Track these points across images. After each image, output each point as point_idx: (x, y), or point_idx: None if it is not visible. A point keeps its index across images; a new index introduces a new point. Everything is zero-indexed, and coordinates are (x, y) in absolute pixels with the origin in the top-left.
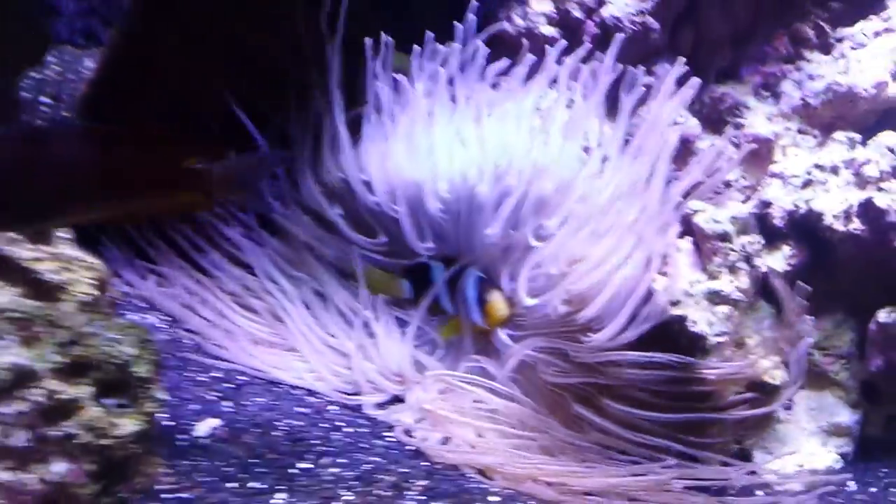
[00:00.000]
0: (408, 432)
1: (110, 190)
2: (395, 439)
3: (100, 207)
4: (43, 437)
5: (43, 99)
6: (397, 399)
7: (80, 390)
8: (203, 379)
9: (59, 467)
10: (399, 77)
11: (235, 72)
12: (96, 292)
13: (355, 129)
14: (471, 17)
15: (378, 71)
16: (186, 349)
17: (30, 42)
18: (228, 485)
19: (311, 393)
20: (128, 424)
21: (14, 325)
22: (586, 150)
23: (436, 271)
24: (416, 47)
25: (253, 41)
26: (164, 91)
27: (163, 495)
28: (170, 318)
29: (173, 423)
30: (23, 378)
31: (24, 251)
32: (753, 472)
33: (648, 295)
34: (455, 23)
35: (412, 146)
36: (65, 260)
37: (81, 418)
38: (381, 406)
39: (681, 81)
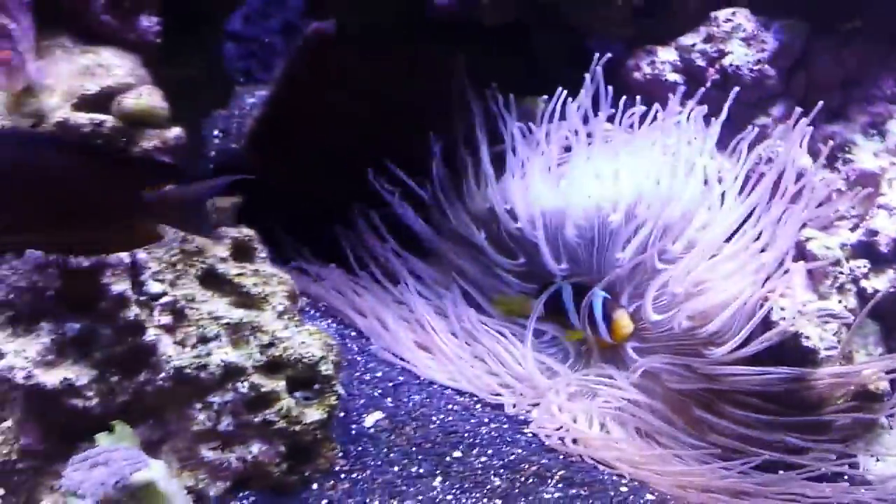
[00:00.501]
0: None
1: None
2: (534, 435)
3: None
4: (245, 423)
5: (215, 132)
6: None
7: (277, 384)
8: (367, 378)
9: (256, 448)
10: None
11: (386, 117)
12: (289, 303)
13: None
14: (598, 70)
15: (512, 114)
16: (352, 352)
17: (219, 86)
18: (393, 468)
19: (459, 393)
20: (314, 414)
21: (226, 330)
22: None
23: (565, 292)
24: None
25: (402, 95)
26: (323, 132)
27: (340, 475)
28: (340, 324)
29: (344, 415)
30: (231, 373)
31: (232, 268)
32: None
33: (765, 313)
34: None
35: (551, 179)
36: (263, 275)
37: (277, 408)
38: (519, 407)
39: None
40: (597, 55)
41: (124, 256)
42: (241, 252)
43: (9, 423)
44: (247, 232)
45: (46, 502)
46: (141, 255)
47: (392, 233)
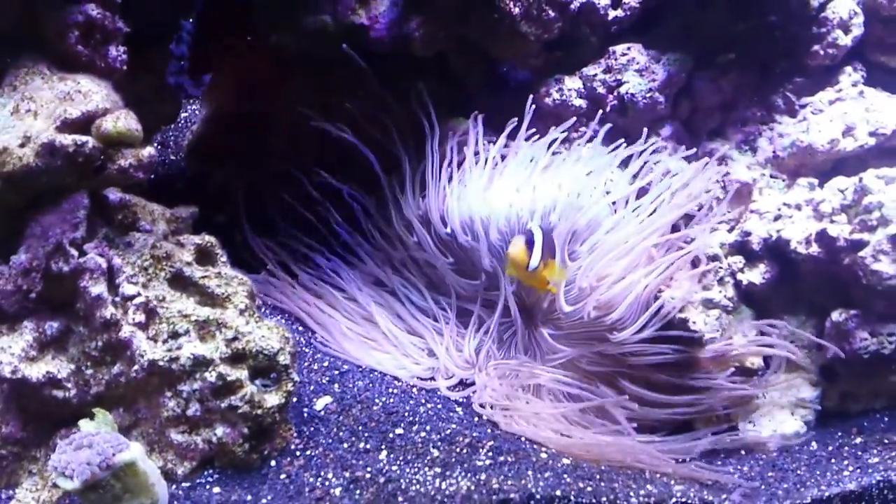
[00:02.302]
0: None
1: None
2: (465, 412)
3: None
4: (212, 409)
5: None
6: (463, 382)
7: (241, 373)
8: (315, 367)
9: (220, 430)
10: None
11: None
12: (248, 301)
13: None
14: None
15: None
16: (300, 345)
17: (167, 105)
18: (343, 445)
19: (397, 378)
20: (273, 399)
21: (194, 326)
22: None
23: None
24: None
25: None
26: (261, 141)
27: (295, 452)
28: (288, 319)
29: (296, 400)
30: (200, 364)
31: (197, 271)
32: (738, 436)
33: (658, 302)
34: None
35: (478, 192)
36: (225, 277)
37: (241, 394)
38: (453, 388)
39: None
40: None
41: (102, 262)
42: (205, 256)
43: None
44: (209, 238)
45: (26, 485)
46: (116, 260)
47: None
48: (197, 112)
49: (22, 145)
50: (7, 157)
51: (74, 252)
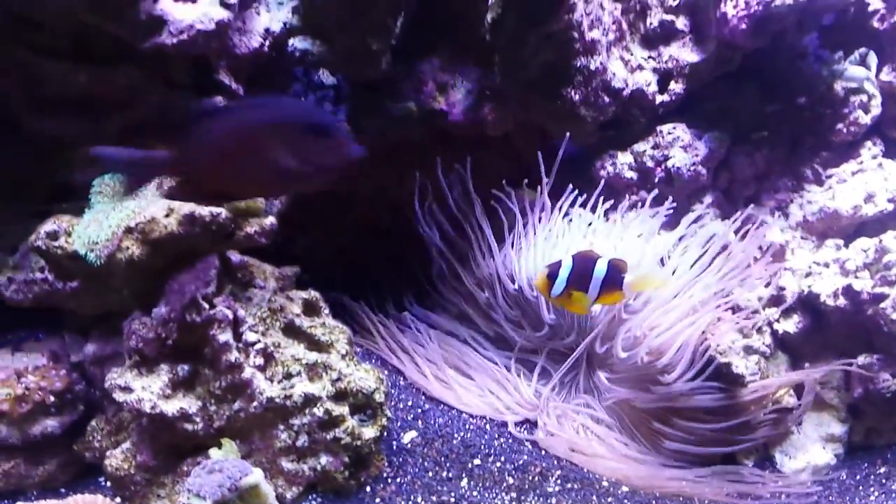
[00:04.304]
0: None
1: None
2: (534, 445)
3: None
4: (318, 440)
5: None
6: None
7: (343, 409)
8: (401, 406)
9: (324, 459)
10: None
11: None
12: (348, 347)
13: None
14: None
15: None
16: (389, 385)
17: None
18: (428, 474)
19: (472, 416)
20: (370, 432)
21: (304, 368)
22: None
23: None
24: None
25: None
26: (348, 214)
27: (388, 479)
28: (377, 362)
29: (386, 434)
30: (309, 401)
31: (305, 321)
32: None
33: (705, 349)
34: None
35: (542, 253)
36: (328, 327)
37: (343, 427)
38: (520, 425)
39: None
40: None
41: (228, 313)
42: (311, 308)
43: (127, 444)
44: (314, 293)
45: None
46: (240, 312)
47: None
48: None
49: (167, 215)
50: (154, 225)
51: (206, 305)
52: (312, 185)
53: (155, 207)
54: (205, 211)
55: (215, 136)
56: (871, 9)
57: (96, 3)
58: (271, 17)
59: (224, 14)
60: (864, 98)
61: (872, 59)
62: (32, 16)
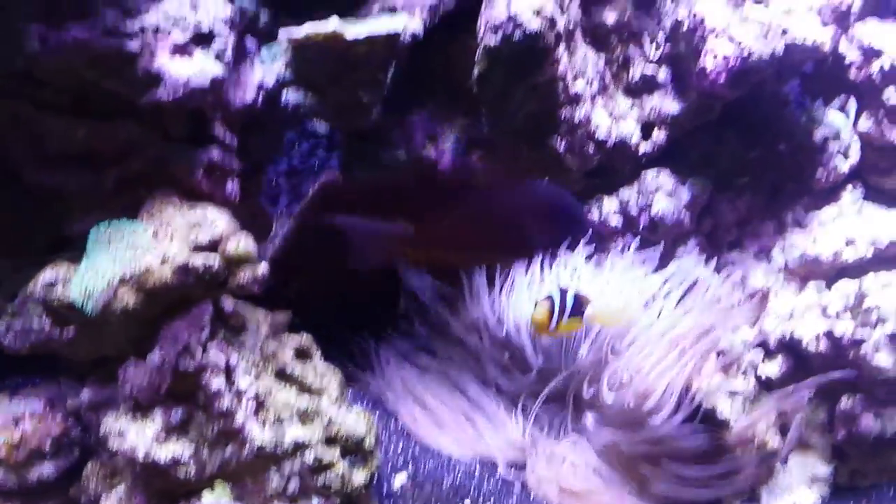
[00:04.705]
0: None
1: None
2: (523, 487)
3: None
4: (309, 484)
5: None
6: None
7: (334, 454)
8: (391, 449)
9: (316, 503)
10: None
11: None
12: (339, 391)
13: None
14: None
15: None
16: (380, 428)
17: (262, 226)
18: None
19: (463, 458)
20: (360, 476)
21: (296, 413)
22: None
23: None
24: None
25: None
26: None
27: None
28: (367, 405)
29: (377, 478)
30: (300, 447)
31: (297, 367)
32: None
33: (691, 392)
34: None
35: (529, 298)
36: (320, 372)
37: (334, 472)
38: (510, 467)
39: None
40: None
41: (221, 360)
42: (303, 354)
43: (122, 488)
44: (305, 338)
45: None
46: (233, 358)
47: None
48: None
49: (161, 264)
50: (149, 275)
51: (199, 352)
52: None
53: (150, 257)
54: (198, 260)
55: (464, 215)
56: (847, 60)
57: (96, 60)
58: (265, 71)
59: (219, 70)
60: (844, 145)
61: (852, 107)
62: (35, 73)
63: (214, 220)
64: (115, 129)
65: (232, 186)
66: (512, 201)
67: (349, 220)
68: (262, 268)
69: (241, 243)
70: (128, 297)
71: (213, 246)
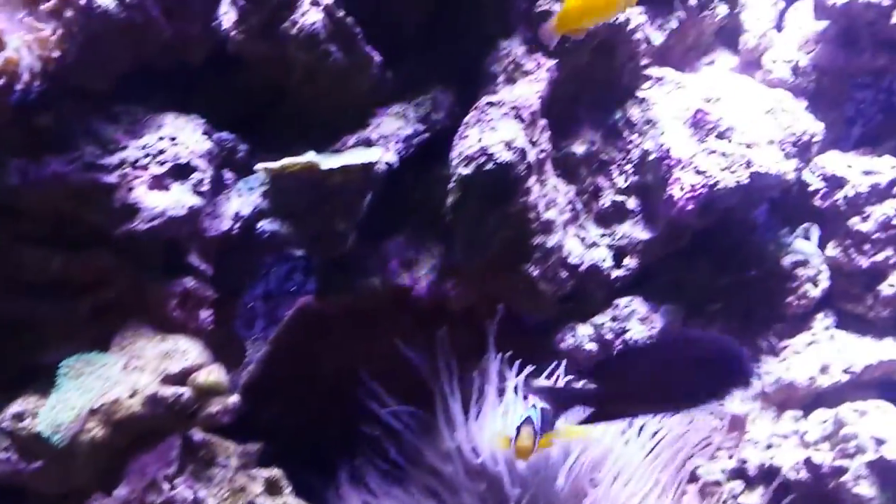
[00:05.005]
0: None
1: None
2: None
3: None
4: None
5: None
6: None
7: None
8: None
9: None
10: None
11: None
12: None
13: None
14: None
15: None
16: None
17: (235, 353)
18: None
19: None
20: None
21: None
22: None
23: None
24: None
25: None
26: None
27: None
28: None
29: None
30: None
31: (267, 501)
32: None
33: None
34: None
35: (505, 426)
36: None
37: None
38: None
39: None
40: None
41: (189, 495)
42: (273, 487)
43: None
44: (275, 472)
45: None
46: (201, 492)
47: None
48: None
49: (131, 396)
50: (118, 406)
51: (167, 486)
52: None
53: (119, 388)
54: (168, 391)
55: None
56: (811, 188)
57: (74, 193)
58: (242, 202)
59: (196, 201)
60: (813, 272)
61: (814, 233)
62: (14, 205)
63: (186, 351)
64: (90, 259)
65: (205, 315)
66: (681, 351)
67: None
68: (233, 399)
69: (213, 374)
70: (96, 429)
71: (183, 377)
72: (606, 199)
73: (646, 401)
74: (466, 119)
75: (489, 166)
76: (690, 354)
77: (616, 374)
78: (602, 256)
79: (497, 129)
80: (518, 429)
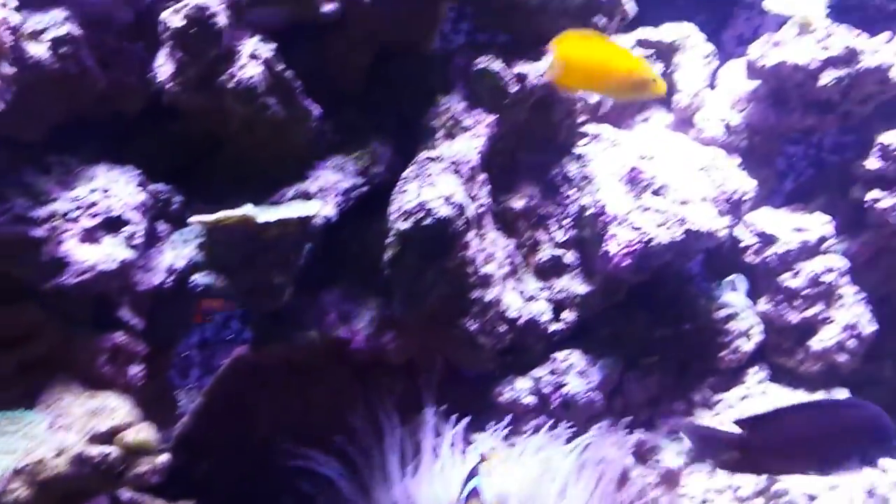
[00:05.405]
0: None
1: None
2: None
3: None
4: None
5: None
6: None
7: None
8: None
9: None
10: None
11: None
12: None
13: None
14: None
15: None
16: None
17: (168, 407)
18: None
19: None
20: None
21: None
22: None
23: None
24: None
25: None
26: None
27: None
28: None
29: None
30: None
31: None
32: None
33: None
34: None
35: (443, 481)
36: None
37: None
38: None
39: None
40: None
41: None
42: None
43: None
44: None
45: None
46: None
47: None
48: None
49: (56, 456)
50: (43, 467)
51: None
52: None
53: (45, 448)
54: (95, 451)
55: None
56: (744, 244)
57: (2, 245)
58: (176, 255)
59: (128, 254)
60: (746, 325)
61: (741, 285)
62: None
63: (115, 409)
64: (17, 313)
65: (136, 371)
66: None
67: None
68: (163, 458)
69: (142, 433)
70: (20, 490)
71: (111, 435)
72: (545, 252)
73: (792, 457)
74: (405, 173)
75: (428, 221)
76: (840, 419)
77: (769, 427)
78: (541, 310)
79: (436, 185)
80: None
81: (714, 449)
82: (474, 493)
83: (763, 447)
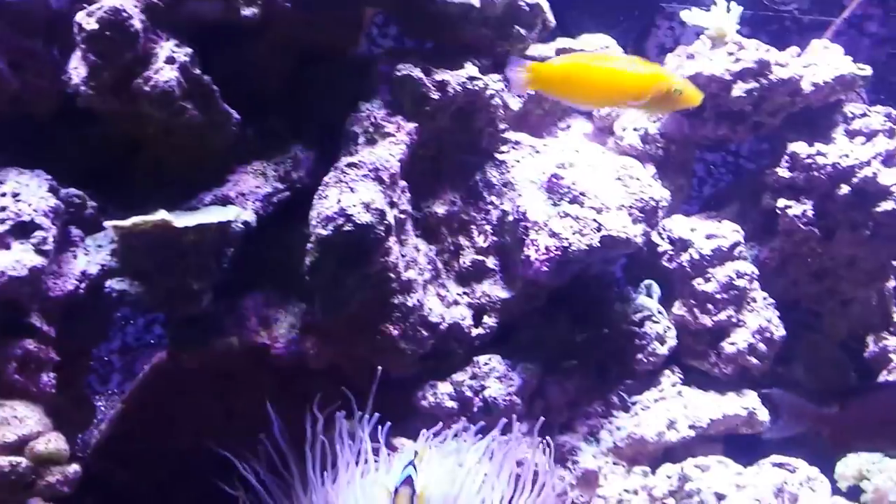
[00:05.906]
0: None
1: None
2: None
3: None
4: None
5: None
6: None
7: None
8: None
9: None
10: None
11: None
12: None
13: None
14: None
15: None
16: None
17: (83, 414)
18: None
19: None
20: None
21: None
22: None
23: None
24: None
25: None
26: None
27: None
28: None
29: None
30: None
31: None
32: None
33: None
34: None
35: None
36: None
37: None
38: None
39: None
40: None
41: None
42: None
43: None
44: None
45: None
46: None
47: None
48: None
49: None
50: None
51: None
52: None
53: None
54: (3, 461)
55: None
56: (660, 249)
57: None
58: (89, 261)
59: (38, 260)
60: (660, 329)
61: (655, 290)
62: None
63: (24, 418)
64: None
65: (47, 379)
66: None
67: None
68: (74, 468)
69: (52, 443)
70: None
71: (21, 445)
72: (467, 258)
73: (884, 436)
74: (326, 179)
75: (348, 227)
76: None
77: (863, 404)
78: (462, 315)
79: (356, 191)
80: (397, 489)
81: (805, 421)
82: (408, 479)
83: (856, 424)
